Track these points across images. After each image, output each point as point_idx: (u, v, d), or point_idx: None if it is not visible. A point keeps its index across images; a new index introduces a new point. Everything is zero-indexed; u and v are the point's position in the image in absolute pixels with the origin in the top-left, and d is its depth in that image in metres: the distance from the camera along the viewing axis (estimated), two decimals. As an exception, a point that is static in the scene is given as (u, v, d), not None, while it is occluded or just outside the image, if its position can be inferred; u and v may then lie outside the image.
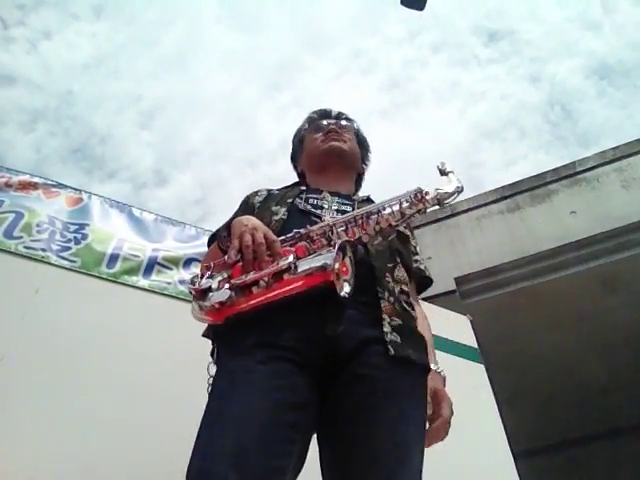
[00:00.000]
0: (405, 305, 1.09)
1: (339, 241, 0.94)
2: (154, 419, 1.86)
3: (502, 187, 4.02)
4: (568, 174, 3.87)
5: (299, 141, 1.45)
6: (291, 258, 0.90)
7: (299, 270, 0.89)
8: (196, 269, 2.49)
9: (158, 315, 2.25)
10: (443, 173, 1.09)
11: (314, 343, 0.95)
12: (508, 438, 2.50)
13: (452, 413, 1.06)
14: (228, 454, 0.80)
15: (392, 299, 1.05)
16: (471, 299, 3.64)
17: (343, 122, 1.40)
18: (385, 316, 1.02)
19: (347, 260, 0.94)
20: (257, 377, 0.90)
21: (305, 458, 0.93)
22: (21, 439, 1.71)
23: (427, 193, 1.03)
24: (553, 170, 3.96)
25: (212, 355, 1.06)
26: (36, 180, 2.52)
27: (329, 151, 1.33)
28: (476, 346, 2.80)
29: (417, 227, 3.50)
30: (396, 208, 1.02)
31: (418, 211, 1.03)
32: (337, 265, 0.89)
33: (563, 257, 3.57)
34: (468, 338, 2.78)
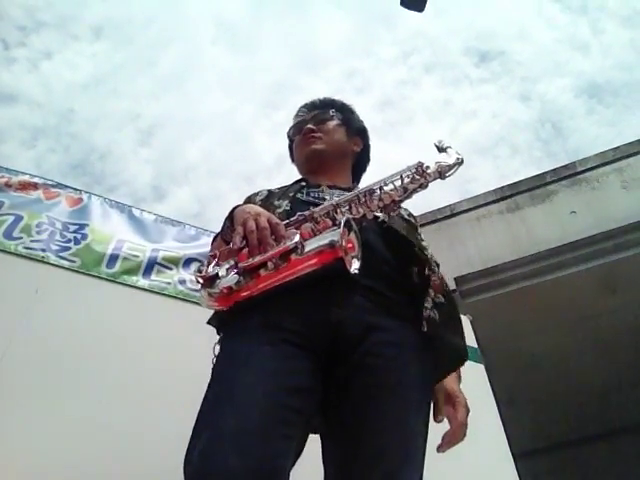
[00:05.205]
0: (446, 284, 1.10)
1: (344, 217, 0.93)
2: (154, 418, 1.86)
3: (502, 187, 4.02)
4: (568, 174, 3.87)
5: (290, 147, 1.45)
6: (297, 237, 0.89)
7: (306, 250, 0.88)
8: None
9: (158, 315, 2.25)
10: (442, 150, 1.08)
11: (318, 328, 0.94)
12: (508, 438, 2.50)
13: (468, 412, 1.05)
14: (229, 437, 0.79)
15: (440, 276, 1.05)
16: (471, 299, 3.64)
17: (319, 114, 1.36)
18: (431, 291, 1.01)
19: (353, 236, 0.92)
20: (260, 359, 0.89)
21: (305, 443, 0.92)
22: (21, 439, 1.71)
23: (428, 167, 1.03)
24: (553, 170, 3.96)
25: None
26: (36, 180, 2.52)
27: (307, 158, 1.33)
28: (476, 346, 2.80)
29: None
30: (398, 184, 1.02)
31: (420, 185, 1.02)
32: (344, 241, 0.87)
33: (563, 257, 3.57)
34: (468, 338, 2.77)
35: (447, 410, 1.05)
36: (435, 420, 1.03)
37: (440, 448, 1.02)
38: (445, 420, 1.07)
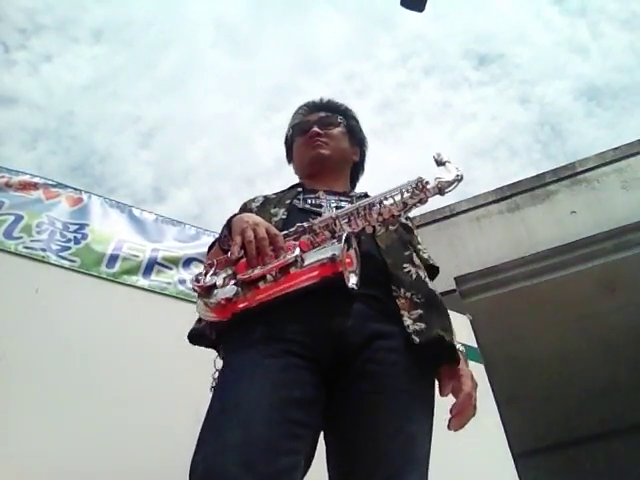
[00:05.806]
0: (428, 291, 1.08)
1: (344, 232, 0.93)
2: (154, 418, 1.86)
3: (502, 187, 4.02)
4: (568, 174, 3.87)
5: (289, 146, 1.44)
6: (297, 251, 0.89)
7: (305, 263, 0.88)
8: (196, 269, 2.49)
9: (158, 315, 2.25)
10: (440, 163, 1.08)
11: (321, 337, 0.93)
12: (508, 438, 2.50)
13: (476, 385, 1.03)
14: (234, 451, 0.78)
15: (409, 294, 1.03)
16: (471, 299, 3.64)
17: (326, 118, 1.35)
18: (404, 312, 1.00)
19: (352, 252, 0.92)
20: (264, 372, 0.88)
21: (313, 456, 0.92)
22: (21, 438, 1.71)
23: (427, 182, 1.03)
24: (553, 170, 3.96)
25: (219, 353, 1.06)
26: (36, 180, 2.52)
27: (311, 161, 1.33)
28: (476, 346, 2.80)
29: (417, 227, 3.49)
30: (398, 198, 1.02)
31: (420, 201, 1.02)
32: (343, 256, 0.87)
33: (563, 257, 3.57)
34: (468, 338, 2.78)
35: (452, 383, 1.02)
36: (441, 395, 1.01)
37: (450, 425, 0.98)
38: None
